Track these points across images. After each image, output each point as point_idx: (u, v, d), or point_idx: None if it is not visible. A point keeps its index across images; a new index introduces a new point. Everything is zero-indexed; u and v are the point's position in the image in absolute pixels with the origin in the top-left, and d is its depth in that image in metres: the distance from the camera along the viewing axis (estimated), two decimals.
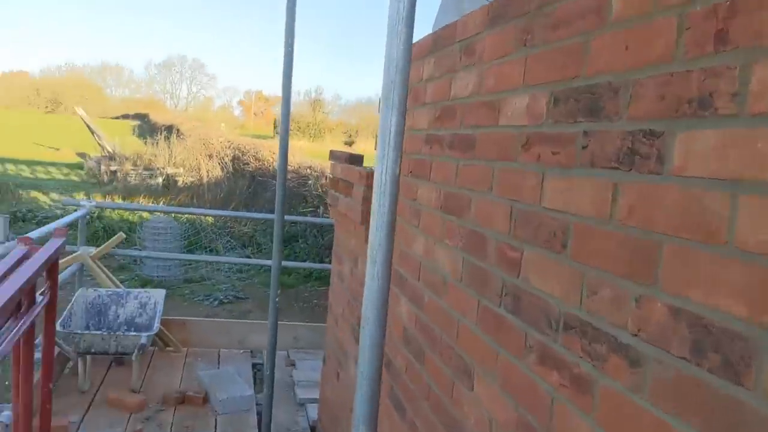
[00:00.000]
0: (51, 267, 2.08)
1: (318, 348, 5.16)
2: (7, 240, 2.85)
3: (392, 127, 1.26)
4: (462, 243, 1.73)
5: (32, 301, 1.99)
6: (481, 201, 1.62)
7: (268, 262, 4.95)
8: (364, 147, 35.00)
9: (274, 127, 38.24)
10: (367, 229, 2.74)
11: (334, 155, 3.55)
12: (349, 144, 33.86)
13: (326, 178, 9.84)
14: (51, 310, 2.12)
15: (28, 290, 1.94)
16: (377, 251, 1.29)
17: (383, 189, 1.26)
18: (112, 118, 37.40)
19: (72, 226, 4.69)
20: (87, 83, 53.22)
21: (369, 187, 2.69)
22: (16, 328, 1.90)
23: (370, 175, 2.69)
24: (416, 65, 2.25)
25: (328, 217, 9.42)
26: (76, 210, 4.51)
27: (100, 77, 60.15)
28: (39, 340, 2.52)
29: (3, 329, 1.84)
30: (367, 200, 2.69)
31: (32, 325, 2.01)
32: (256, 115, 60.55)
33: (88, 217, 5.04)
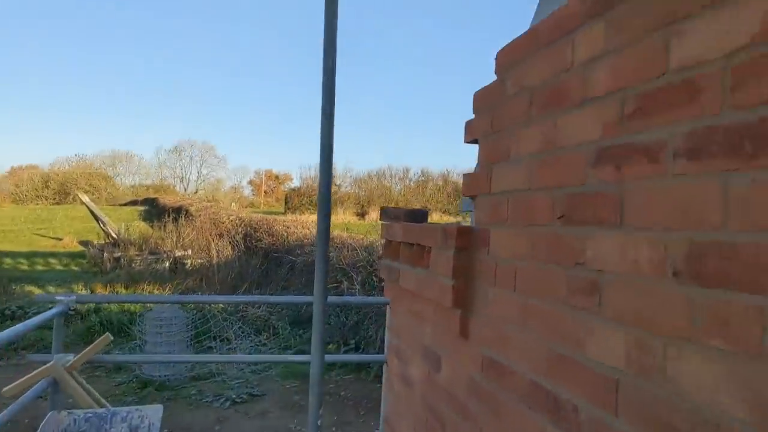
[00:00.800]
0: None
1: None
2: None
3: None
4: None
5: None
6: None
7: (302, 359, 3.86)
8: (375, 217, 34.27)
9: (286, 203, 37.68)
10: (463, 314, 1.77)
11: (387, 213, 2.64)
12: (361, 215, 33.21)
13: (348, 250, 8.89)
14: None
15: None
16: None
17: None
18: (121, 205, 37.09)
19: (49, 327, 3.74)
20: (96, 172, 53.54)
21: (462, 250, 1.75)
22: None
23: (463, 232, 1.75)
24: (554, 49, 1.36)
25: (354, 294, 8.39)
26: (52, 307, 3.56)
27: (110, 166, 60.66)
28: None
29: None
30: (462, 271, 1.74)
31: None
32: (266, 193, 60.50)
33: (71, 312, 4.09)
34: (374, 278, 7.81)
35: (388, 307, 4.24)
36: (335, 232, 12.13)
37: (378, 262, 7.72)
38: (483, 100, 1.72)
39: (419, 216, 2.44)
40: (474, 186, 1.75)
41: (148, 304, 8.53)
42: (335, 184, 39.28)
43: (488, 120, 1.67)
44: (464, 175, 1.84)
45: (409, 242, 2.20)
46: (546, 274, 1.33)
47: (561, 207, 1.28)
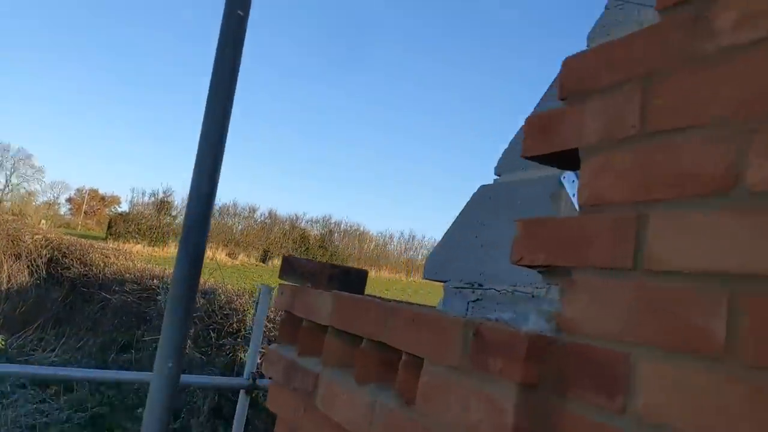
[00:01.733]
0: None
1: None
2: None
3: None
4: None
5: None
6: None
7: None
8: (211, 255, 31.60)
9: (109, 228, 33.44)
10: None
11: (293, 267, 1.56)
12: None
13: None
14: None
15: None
16: None
17: None
18: None
19: None
20: None
21: (533, 390, 0.77)
22: None
23: (539, 346, 0.77)
24: None
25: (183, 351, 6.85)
26: None
27: None
28: None
29: None
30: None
31: None
32: (86, 214, 53.93)
33: None
34: (212, 333, 6.42)
35: (242, 392, 3.06)
36: (158, 269, 10.42)
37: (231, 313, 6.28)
38: (613, 63, 0.80)
39: (355, 280, 1.42)
40: (565, 244, 0.80)
41: None
42: (170, 215, 35.88)
43: (635, 105, 0.75)
44: (526, 222, 0.89)
45: (353, 334, 1.17)
46: None
47: None
